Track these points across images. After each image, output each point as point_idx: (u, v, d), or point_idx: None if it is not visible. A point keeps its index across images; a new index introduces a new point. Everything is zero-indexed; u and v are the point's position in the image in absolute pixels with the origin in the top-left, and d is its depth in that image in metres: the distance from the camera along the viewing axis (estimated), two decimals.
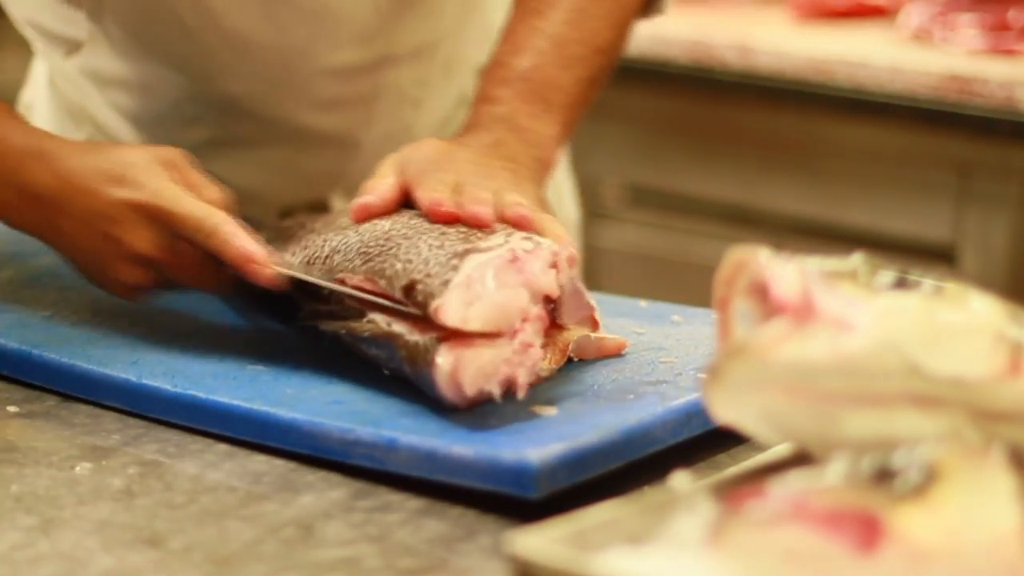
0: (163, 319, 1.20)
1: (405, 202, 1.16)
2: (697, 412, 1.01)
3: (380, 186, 1.16)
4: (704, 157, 2.41)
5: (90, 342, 1.17)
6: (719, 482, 0.88)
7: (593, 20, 1.29)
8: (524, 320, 1.04)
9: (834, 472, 0.80)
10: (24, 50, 1.58)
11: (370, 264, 1.09)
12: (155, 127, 1.43)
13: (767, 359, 0.85)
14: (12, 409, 1.12)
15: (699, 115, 2.40)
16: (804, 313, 0.85)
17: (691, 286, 1.40)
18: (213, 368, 1.12)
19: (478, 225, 1.09)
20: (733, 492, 0.82)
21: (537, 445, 0.97)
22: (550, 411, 1.03)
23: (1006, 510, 0.79)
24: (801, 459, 0.87)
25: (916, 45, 2.25)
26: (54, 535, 0.94)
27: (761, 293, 0.86)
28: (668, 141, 2.44)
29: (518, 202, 1.12)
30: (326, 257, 1.12)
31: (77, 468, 1.03)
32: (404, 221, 1.12)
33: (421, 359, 1.03)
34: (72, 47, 1.42)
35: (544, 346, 1.08)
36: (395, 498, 0.99)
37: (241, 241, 1.13)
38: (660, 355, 1.13)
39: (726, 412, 0.87)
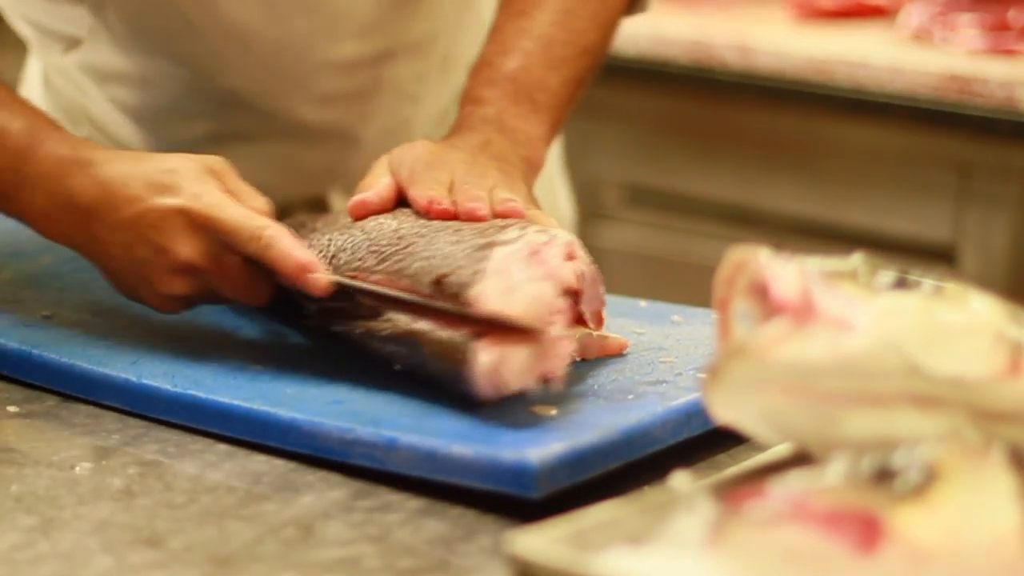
0: (163, 319, 1.20)
1: (400, 201, 1.16)
2: (697, 412, 1.01)
3: (377, 184, 1.16)
4: (704, 157, 2.41)
5: (90, 342, 1.17)
6: (719, 482, 0.88)
7: (579, 21, 1.29)
8: (554, 313, 1.03)
9: (834, 472, 0.80)
10: (19, 51, 1.58)
11: (387, 264, 1.08)
12: (155, 122, 1.43)
13: (767, 359, 0.85)
14: (12, 409, 1.12)
15: (699, 115, 2.40)
16: (804, 313, 0.85)
17: (691, 286, 1.40)
18: (213, 368, 1.12)
19: (474, 221, 1.09)
20: (733, 492, 0.82)
21: (537, 445, 0.97)
22: (550, 411, 1.03)
23: (1006, 510, 0.79)
24: (801, 459, 0.87)
25: (916, 45, 2.25)
26: (54, 535, 0.94)
27: (761, 293, 0.86)
28: (668, 141, 2.44)
29: (511, 198, 1.12)
30: (332, 256, 1.12)
31: (77, 468, 1.03)
32: (411, 220, 1.12)
33: (454, 356, 1.02)
34: (70, 43, 1.42)
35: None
36: (395, 498, 0.99)
37: (297, 251, 1.10)
38: (660, 355, 1.13)
39: (726, 412, 0.87)
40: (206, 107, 1.42)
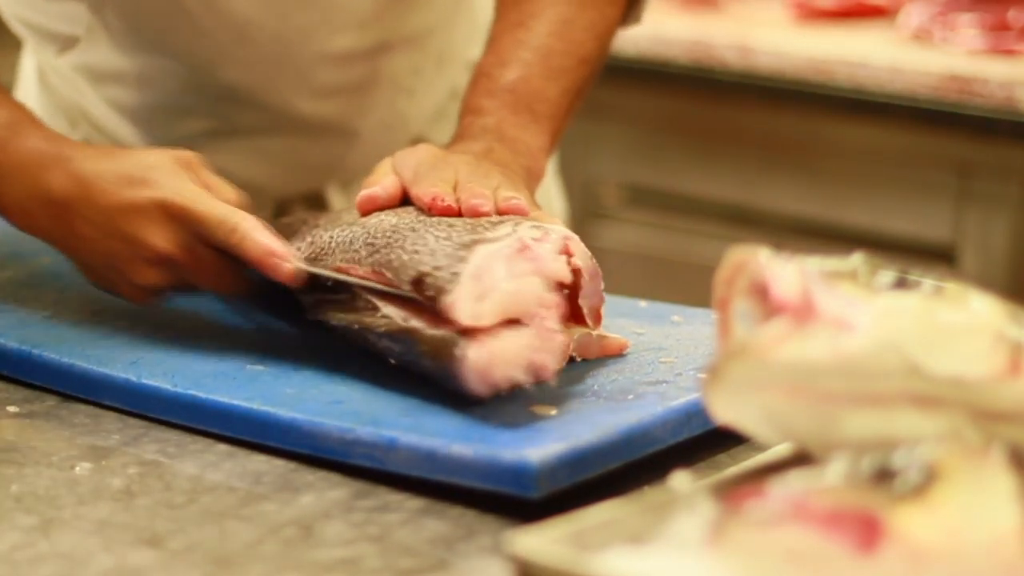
0: (163, 319, 1.20)
1: (404, 201, 1.17)
2: (697, 412, 1.01)
3: (384, 180, 1.17)
4: (704, 157, 2.41)
5: (90, 342, 1.17)
6: (719, 482, 0.88)
7: (577, 31, 1.29)
8: (542, 307, 1.03)
9: (834, 472, 0.80)
10: (15, 51, 1.58)
11: (376, 256, 1.08)
12: (152, 121, 1.43)
13: (767, 359, 0.85)
14: (12, 409, 1.12)
15: (699, 115, 2.40)
16: (804, 313, 0.85)
17: (691, 286, 1.40)
18: (213, 368, 1.12)
19: (477, 217, 1.09)
20: (733, 492, 0.82)
21: (537, 445, 0.97)
22: (550, 411, 1.03)
23: (1006, 510, 0.79)
24: (801, 459, 0.87)
25: (916, 45, 2.25)
26: (54, 535, 0.94)
27: (761, 293, 0.86)
28: (668, 141, 2.44)
29: (515, 196, 1.12)
30: (332, 251, 1.13)
31: (77, 468, 1.03)
32: (412, 215, 1.12)
33: (444, 353, 1.02)
34: (67, 43, 1.42)
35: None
36: (395, 498, 0.99)
37: (262, 237, 1.13)
38: (660, 355, 1.13)
39: (726, 412, 0.87)
40: (204, 103, 1.42)
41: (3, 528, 0.95)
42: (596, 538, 0.82)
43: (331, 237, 1.14)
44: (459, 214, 1.11)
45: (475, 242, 1.04)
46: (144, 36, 1.39)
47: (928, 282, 0.87)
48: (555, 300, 1.04)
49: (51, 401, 1.13)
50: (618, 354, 1.13)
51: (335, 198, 1.50)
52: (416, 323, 1.04)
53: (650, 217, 2.47)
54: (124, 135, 1.45)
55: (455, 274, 1.02)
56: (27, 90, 1.57)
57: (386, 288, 1.07)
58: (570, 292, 1.09)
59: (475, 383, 1.01)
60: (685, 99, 2.40)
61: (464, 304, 1.01)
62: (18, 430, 1.08)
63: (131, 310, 1.21)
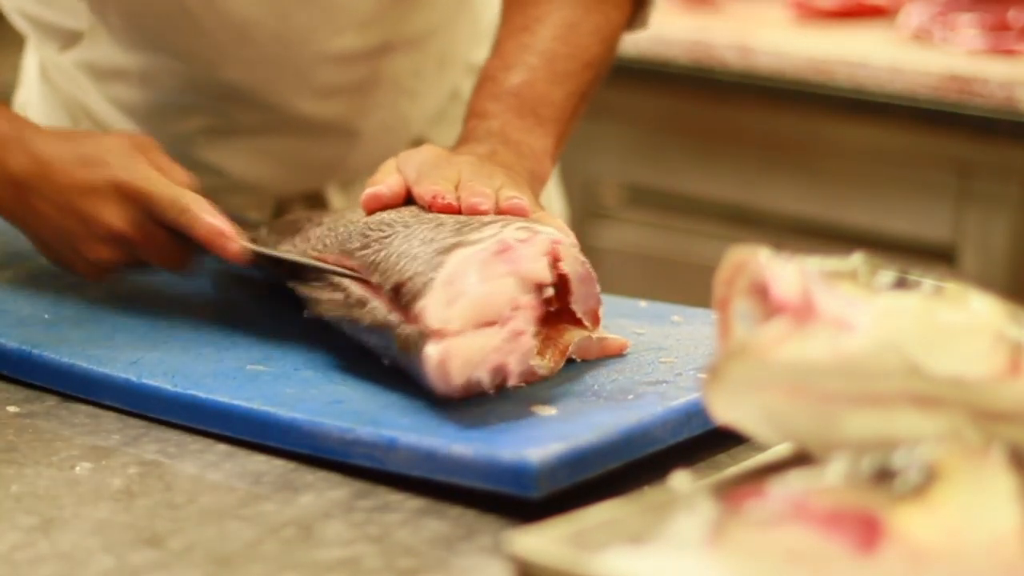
0: (163, 319, 1.20)
1: (409, 200, 1.17)
2: (697, 412, 1.01)
3: (388, 179, 1.17)
4: (704, 157, 2.41)
5: (90, 342, 1.17)
6: (719, 482, 0.88)
7: (582, 36, 1.29)
8: (515, 309, 1.04)
9: (834, 472, 0.80)
10: (17, 48, 1.58)
11: (367, 251, 1.10)
12: (153, 118, 1.44)
13: (767, 359, 0.85)
14: (12, 409, 1.12)
15: (699, 115, 2.40)
16: (804, 313, 0.85)
17: (691, 286, 1.40)
18: (213, 368, 1.12)
19: (475, 215, 1.10)
20: (733, 492, 0.82)
21: (537, 445, 0.97)
22: (550, 411, 1.03)
23: (1006, 510, 0.79)
24: (801, 459, 0.87)
25: (916, 45, 2.25)
26: (54, 535, 0.94)
27: (761, 293, 0.86)
28: (668, 141, 2.44)
29: (517, 196, 1.12)
30: (334, 244, 1.13)
31: (77, 468, 1.03)
32: (409, 213, 1.12)
33: (412, 349, 1.03)
34: (69, 40, 1.42)
35: (545, 344, 1.08)
36: (395, 498, 0.99)
37: (211, 217, 1.17)
38: (660, 355, 1.13)
39: (726, 412, 0.87)
40: (205, 102, 1.42)
41: (3, 528, 0.95)
42: (596, 538, 0.82)
43: (331, 231, 1.15)
44: (459, 212, 1.11)
45: (454, 246, 1.04)
46: (145, 35, 1.39)
47: (928, 282, 0.87)
48: (530, 302, 1.04)
49: (51, 401, 1.13)
50: (618, 354, 1.13)
51: (335, 198, 1.50)
52: (393, 318, 1.05)
53: (650, 217, 2.47)
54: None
55: (429, 280, 1.02)
56: (29, 86, 1.57)
57: (355, 274, 1.09)
58: (562, 295, 1.09)
59: (436, 381, 1.01)
60: (685, 99, 2.40)
61: (434, 310, 1.01)
62: (18, 430, 1.08)
63: (131, 310, 1.21)
